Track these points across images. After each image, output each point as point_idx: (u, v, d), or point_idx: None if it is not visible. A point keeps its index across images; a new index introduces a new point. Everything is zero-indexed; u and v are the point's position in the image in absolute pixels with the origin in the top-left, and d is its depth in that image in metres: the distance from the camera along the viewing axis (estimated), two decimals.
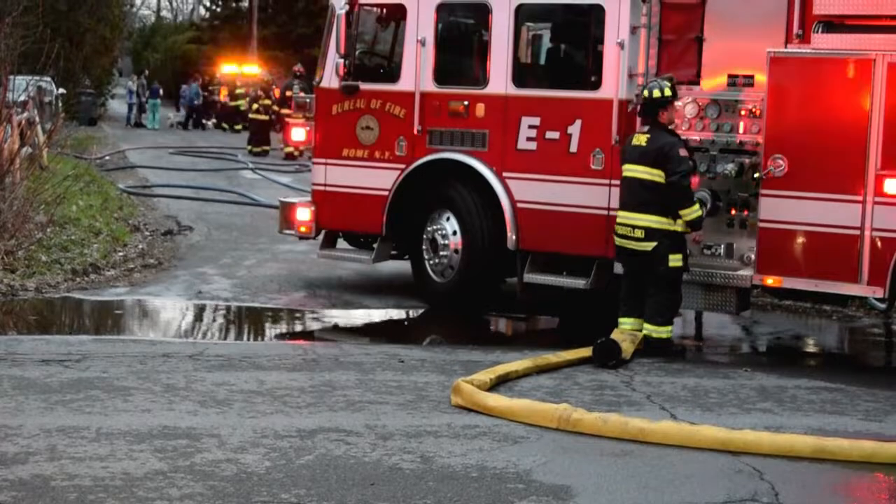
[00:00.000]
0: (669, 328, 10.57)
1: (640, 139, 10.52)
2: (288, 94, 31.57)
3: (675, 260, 10.39)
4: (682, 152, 10.39)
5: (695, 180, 10.70)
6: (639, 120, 10.92)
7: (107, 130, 43.01)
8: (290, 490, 6.70)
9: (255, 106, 34.66)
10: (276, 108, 34.68)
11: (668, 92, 10.48)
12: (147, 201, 21.85)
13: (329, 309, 12.88)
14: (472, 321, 12.48)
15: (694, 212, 10.39)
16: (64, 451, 7.22)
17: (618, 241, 10.63)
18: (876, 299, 11.23)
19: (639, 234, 10.42)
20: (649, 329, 10.50)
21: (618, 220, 10.62)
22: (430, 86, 12.56)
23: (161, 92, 48.58)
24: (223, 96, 45.96)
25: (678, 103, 10.88)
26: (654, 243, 10.36)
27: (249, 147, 33.40)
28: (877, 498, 7.24)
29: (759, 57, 10.68)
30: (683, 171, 10.31)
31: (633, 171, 10.51)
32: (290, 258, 15.61)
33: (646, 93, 10.57)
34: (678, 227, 10.40)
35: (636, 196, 10.46)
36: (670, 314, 10.63)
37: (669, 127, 10.59)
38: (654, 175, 10.37)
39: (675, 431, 7.96)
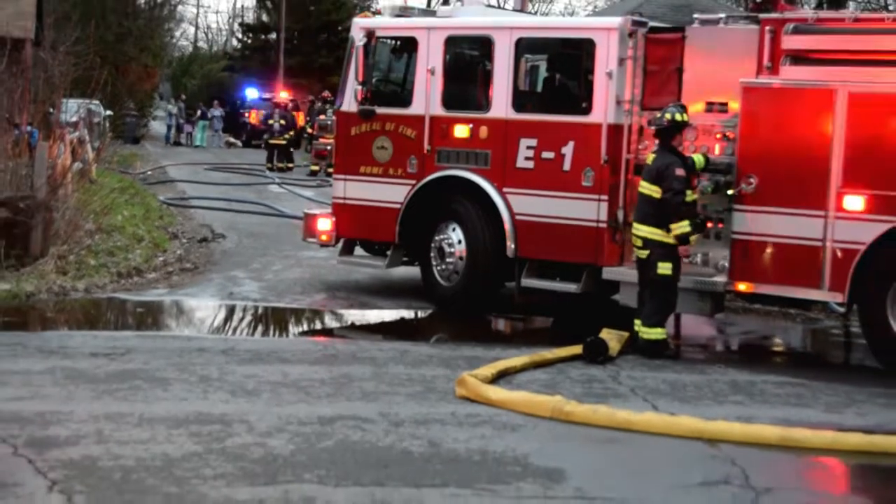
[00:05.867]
0: (660, 330, 10.42)
1: (649, 157, 10.58)
2: (322, 117, 31.63)
3: (663, 268, 10.32)
4: (679, 172, 10.33)
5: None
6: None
7: (149, 148, 42.95)
8: (312, 471, 6.70)
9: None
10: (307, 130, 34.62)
11: (678, 117, 10.47)
12: (184, 212, 21.83)
13: (347, 309, 12.87)
14: (475, 321, 12.44)
15: (681, 227, 10.30)
16: (110, 434, 7.23)
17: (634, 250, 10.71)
18: (836, 304, 11.26)
19: (638, 242, 10.47)
20: (641, 330, 10.43)
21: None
22: (438, 110, 12.56)
23: (207, 114, 48.52)
24: (254, 119, 45.92)
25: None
26: (648, 251, 10.37)
27: (280, 164, 33.19)
28: (836, 482, 7.24)
29: (733, 86, 10.69)
30: (675, 189, 10.27)
31: (640, 186, 10.58)
32: (313, 264, 15.60)
33: (658, 115, 10.56)
34: (670, 239, 10.34)
35: (640, 209, 10.52)
36: (660, 317, 10.47)
37: (677, 148, 10.58)
38: (653, 191, 10.36)
39: (657, 421, 7.96)
